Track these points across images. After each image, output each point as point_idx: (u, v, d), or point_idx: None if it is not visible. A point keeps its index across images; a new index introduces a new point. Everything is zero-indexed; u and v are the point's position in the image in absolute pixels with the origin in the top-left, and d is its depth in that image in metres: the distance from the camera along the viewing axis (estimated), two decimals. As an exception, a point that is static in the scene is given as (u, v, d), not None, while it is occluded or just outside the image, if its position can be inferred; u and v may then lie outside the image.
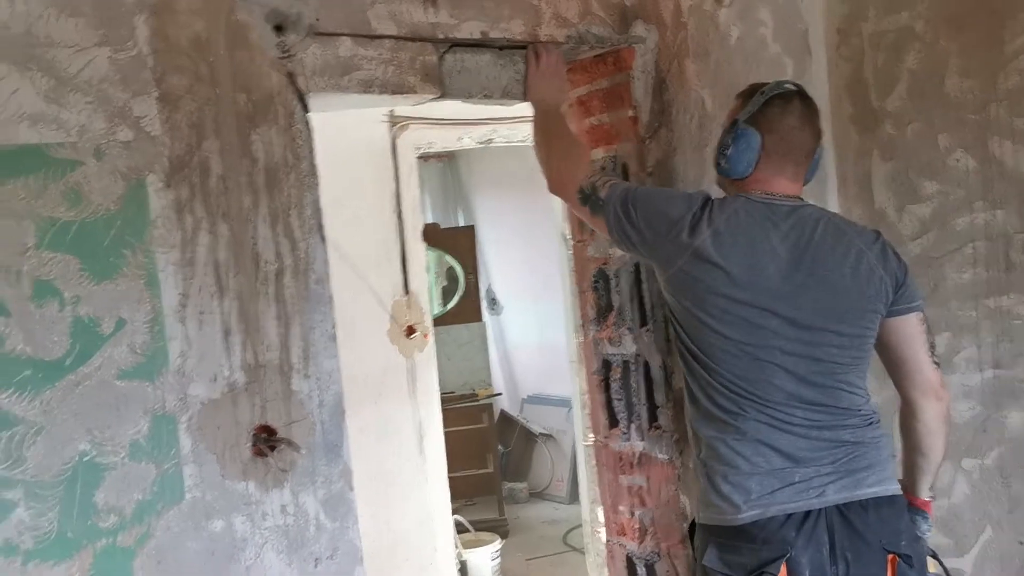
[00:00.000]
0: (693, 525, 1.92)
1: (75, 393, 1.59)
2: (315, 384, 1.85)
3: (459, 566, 4.27)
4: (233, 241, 1.75)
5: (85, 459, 1.60)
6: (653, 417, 2.42)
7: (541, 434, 6.14)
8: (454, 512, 4.24)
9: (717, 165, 1.91)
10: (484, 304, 6.50)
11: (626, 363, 2.49)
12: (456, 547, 4.20)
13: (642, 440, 2.46)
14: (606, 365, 2.56)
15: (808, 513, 1.74)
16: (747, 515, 1.75)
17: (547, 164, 2.09)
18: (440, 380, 4.01)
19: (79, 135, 1.60)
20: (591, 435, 4.29)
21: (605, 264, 2.53)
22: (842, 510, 1.75)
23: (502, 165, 6.33)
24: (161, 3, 1.69)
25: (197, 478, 1.71)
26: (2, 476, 1.52)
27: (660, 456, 2.40)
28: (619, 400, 2.52)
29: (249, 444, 1.77)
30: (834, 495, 1.75)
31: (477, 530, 4.70)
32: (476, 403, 5.55)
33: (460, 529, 4.51)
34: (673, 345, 2.02)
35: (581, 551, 4.73)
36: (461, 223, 6.61)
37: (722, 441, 1.81)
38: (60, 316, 1.58)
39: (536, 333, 6.42)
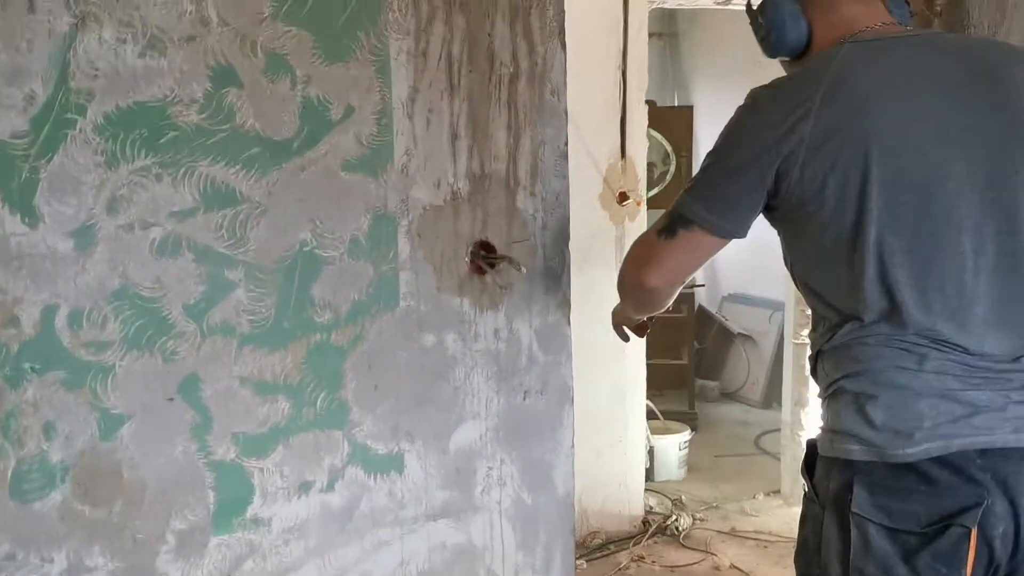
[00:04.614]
0: (811, 453, 1.46)
1: (300, 178, 1.51)
2: (540, 204, 1.70)
3: (647, 451, 4.15)
4: (468, 35, 1.60)
5: (305, 249, 1.53)
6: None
7: (739, 334, 5.85)
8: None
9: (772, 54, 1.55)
10: (692, 195, 6.18)
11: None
12: (646, 432, 4.07)
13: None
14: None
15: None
16: (917, 449, 1.30)
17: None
18: (642, 264, 3.79)
19: (321, -100, 1.48)
20: (803, 332, 4.01)
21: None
22: None
23: (725, 48, 5.90)
24: None
25: (413, 286, 1.61)
26: (225, 254, 1.47)
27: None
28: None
29: (467, 259, 1.65)
30: None
31: (666, 420, 4.55)
32: (676, 292, 5.32)
33: (650, 416, 4.36)
34: None
35: (774, 455, 4.49)
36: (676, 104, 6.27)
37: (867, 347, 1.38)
38: (291, 95, 1.49)
39: (745, 229, 6.05)
